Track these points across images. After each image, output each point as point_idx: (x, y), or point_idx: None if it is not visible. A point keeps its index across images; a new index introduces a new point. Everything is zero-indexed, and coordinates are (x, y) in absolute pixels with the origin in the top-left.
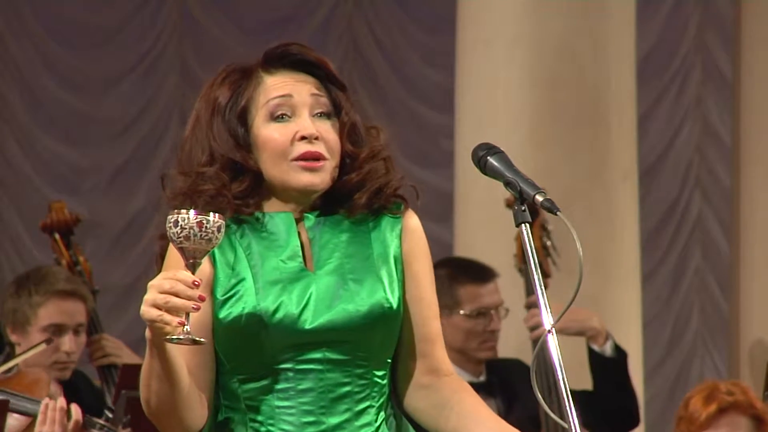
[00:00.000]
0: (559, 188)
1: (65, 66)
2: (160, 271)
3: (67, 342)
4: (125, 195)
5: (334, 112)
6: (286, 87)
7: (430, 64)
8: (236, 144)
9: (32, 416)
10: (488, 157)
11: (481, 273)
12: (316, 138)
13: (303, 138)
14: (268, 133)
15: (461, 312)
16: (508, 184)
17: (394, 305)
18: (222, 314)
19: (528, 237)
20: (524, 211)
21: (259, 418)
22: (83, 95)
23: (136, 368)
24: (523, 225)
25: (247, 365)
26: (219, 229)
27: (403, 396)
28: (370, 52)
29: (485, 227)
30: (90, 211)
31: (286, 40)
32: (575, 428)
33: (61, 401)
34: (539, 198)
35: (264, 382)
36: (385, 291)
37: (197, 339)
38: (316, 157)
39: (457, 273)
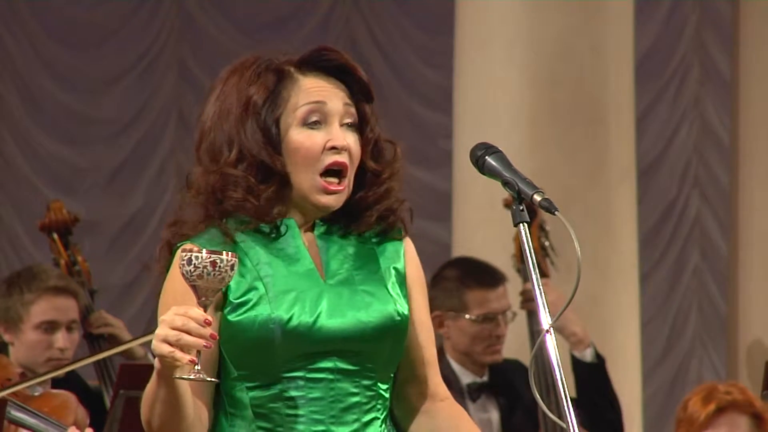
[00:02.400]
0: (557, 188)
1: (63, 66)
2: (163, 259)
3: (60, 339)
4: (123, 195)
5: (358, 125)
6: (322, 93)
7: (428, 64)
8: (268, 146)
9: None
10: (486, 157)
11: (490, 277)
12: (345, 149)
13: (333, 148)
14: (300, 139)
15: (467, 316)
16: (506, 183)
17: (405, 318)
18: (234, 319)
19: (526, 236)
20: (522, 210)
21: (268, 425)
22: (81, 95)
23: (135, 368)
24: (521, 224)
25: (257, 373)
26: (232, 268)
27: (400, 420)
28: (369, 52)
29: (483, 227)
30: (88, 211)
31: (324, 45)
32: (573, 428)
33: None
34: (537, 198)
35: (274, 390)
36: (395, 304)
37: (207, 378)
38: (342, 169)
39: (466, 276)
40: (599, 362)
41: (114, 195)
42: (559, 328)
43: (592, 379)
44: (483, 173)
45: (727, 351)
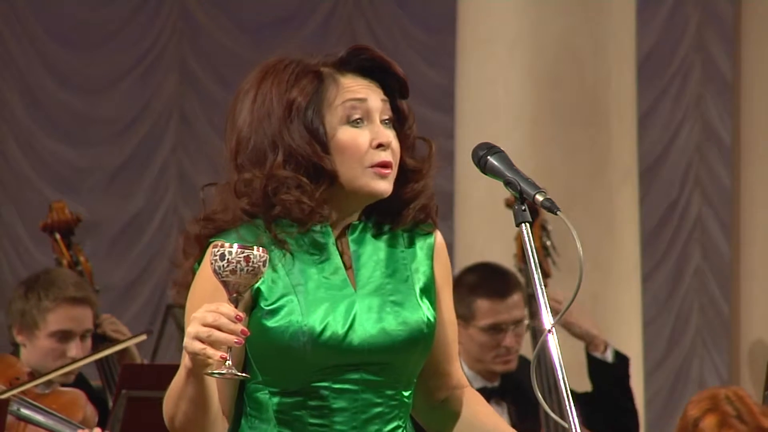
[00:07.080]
0: (559, 188)
1: (65, 66)
2: (194, 254)
3: (74, 348)
4: (125, 195)
5: (395, 121)
6: (362, 90)
7: (430, 64)
8: (317, 145)
9: None
10: (488, 157)
11: (501, 288)
12: (389, 146)
13: (380, 146)
14: (347, 137)
15: (476, 325)
16: (508, 183)
17: (432, 327)
18: (265, 326)
19: (528, 236)
20: (524, 210)
21: None
22: (83, 95)
23: (137, 368)
24: (523, 224)
25: (283, 380)
26: (264, 264)
27: (419, 411)
28: None
29: (485, 227)
30: (89, 211)
31: (359, 44)
32: (575, 428)
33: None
34: (539, 197)
35: (298, 398)
36: (424, 314)
37: (239, 374)
38: (389, 166)
39: (478, 285)
40: (622, 362)
41: (115, 195)
42: (582, 335)
43: (615, 378)
44: (485, 173)
45: (728, 351)
